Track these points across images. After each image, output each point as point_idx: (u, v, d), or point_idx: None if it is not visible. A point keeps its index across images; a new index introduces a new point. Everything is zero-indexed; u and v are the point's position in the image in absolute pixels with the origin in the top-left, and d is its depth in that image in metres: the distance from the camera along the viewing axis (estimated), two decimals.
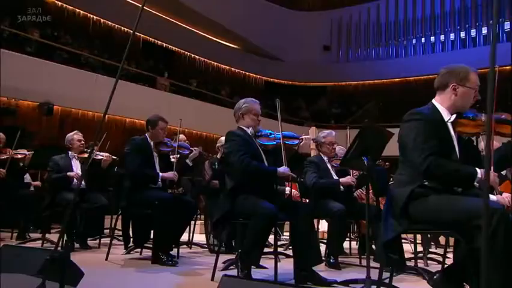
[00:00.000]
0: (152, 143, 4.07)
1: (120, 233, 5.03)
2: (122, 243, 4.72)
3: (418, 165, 2.11)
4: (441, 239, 6.17)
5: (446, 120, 2.23)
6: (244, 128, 3.28)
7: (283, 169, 3.11)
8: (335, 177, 4.17)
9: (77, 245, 4.52)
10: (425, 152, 2.09)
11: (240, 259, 3.02)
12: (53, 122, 9.47)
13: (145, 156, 3.96)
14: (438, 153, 2.10)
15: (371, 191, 5.14)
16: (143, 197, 3.80)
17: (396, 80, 16.71)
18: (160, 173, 3.95)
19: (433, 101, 2.34)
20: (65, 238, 4.38)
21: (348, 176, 4.08)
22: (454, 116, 2.20)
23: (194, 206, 4.07)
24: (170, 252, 3.76)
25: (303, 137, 3.31)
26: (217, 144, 4.99)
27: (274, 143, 3.26)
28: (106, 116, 8.34)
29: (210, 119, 11.39)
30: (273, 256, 4.03)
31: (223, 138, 4.91)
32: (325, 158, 4.24)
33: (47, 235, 4.94)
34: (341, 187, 4.06)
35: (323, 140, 4.21)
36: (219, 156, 4.91)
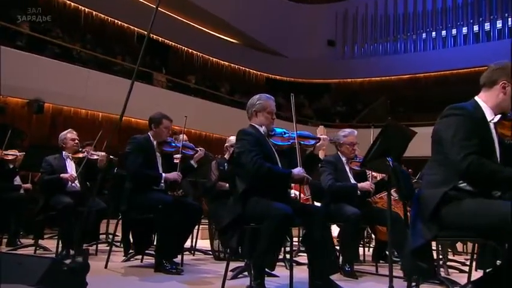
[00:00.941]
0: (155, 143, 4.02)
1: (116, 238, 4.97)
2: (119, 249, 4.66)
3: (457, 164, 2.05)
4: (459, 246, 6.13)
5: (488, 119, 2.17)
6: (257, 127, 3.21)
7: (298, 171, 3.04)
8: (353, 180, 4.10)
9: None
10: (465, 150, 2.03)
11: (253, 267, 2.96)
12: (43, 120, 9.37)
13: (147, 156, 3.90)
14: (479, 152, 2.04)
15: (394, 196, 5.10)
16: (145, 200, 3.73)
17: (404, 76, 16.69)
18: (163, 174, 3.89)
19: (476, 98, 2.28)
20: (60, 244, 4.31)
21: (367, 182, 4.01)
22: (499, 116, 2.15)
23: (199, 210, 4.01)
24: (174, 260, 3.70)
25: (320, 136, 3.25)
26: (226, 144, 4.92)
27: (289, 143, 3.20)
28: (100, 114, 8.27)
29: (210, 117, 11.32)
30: (283, 264, 4.02)
31: (232, 137, 4.88)
32: (343, 159, 4.17)
33: (40, 241, 4.86)
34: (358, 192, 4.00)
35: (344, 140, 4.12)
36: (226, 156, 4.86)
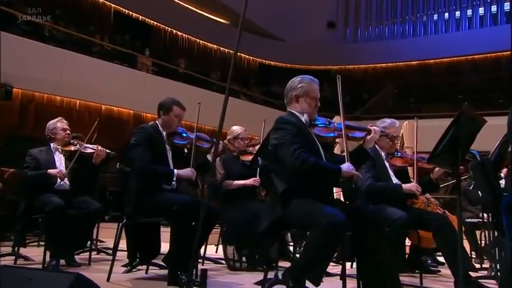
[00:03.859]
0: (164, 133, 3.81)
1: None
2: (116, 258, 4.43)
3: None
4: None
5: None
6: (298, 114, 3.05)
7: (347, 166, 2.86)
8: (394, 179, 3.94)
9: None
10: None
11: (293, 281, 2.78)
12: (11, 108, 9.04)
13: (155, 149, 3.69)
14: None
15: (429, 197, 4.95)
16: (156, 200, 3.53)
17: (413, 63, 16.66)
18: (175, 170, 3.67)
19: None
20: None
21: (413, 183, 3.84)
22: None
23: (216, 212, 3.80)
24: None
25: (371, 128, 3.08)
26: (229, 137, 4.81)
27: (334, 134, 3.06)
28: (78, 102, 7.96)
29: (201, 106, 11.08)
30: None
31: (235, 128, 4.77)
32: (382, 154, 4.01)
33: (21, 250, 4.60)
34: None
35: (384, 132, 3.97)
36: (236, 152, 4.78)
